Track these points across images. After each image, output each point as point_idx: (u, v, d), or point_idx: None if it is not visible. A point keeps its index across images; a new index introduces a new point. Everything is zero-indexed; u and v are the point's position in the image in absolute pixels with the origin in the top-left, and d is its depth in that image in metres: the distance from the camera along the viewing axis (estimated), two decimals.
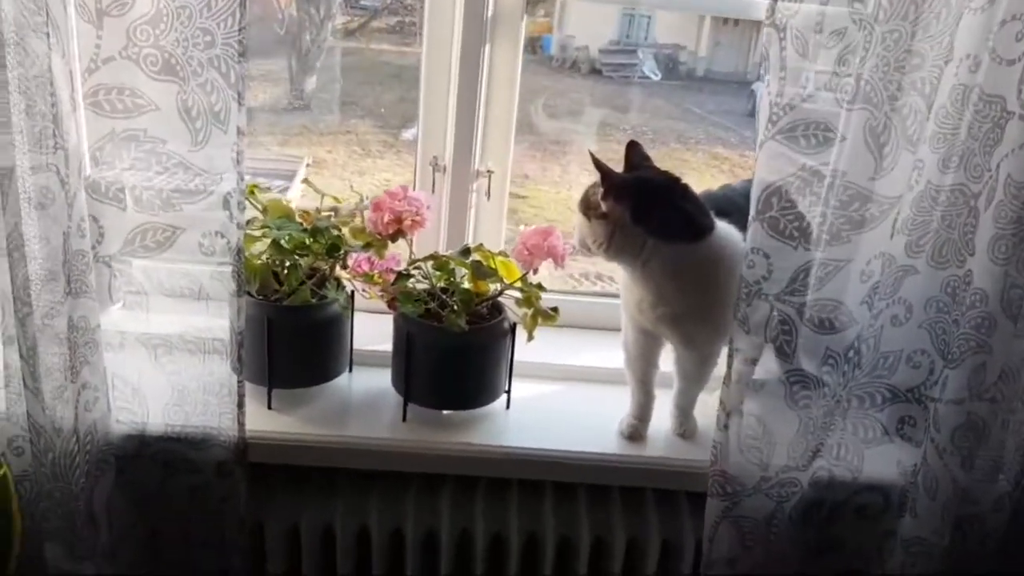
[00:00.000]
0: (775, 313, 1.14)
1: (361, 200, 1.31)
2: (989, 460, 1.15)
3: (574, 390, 1.39)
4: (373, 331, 1.35)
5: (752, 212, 1.10)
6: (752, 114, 2.83)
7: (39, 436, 1.09)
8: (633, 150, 1.20)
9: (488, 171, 1.41)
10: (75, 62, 1.02)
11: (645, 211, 1.15)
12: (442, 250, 1.41)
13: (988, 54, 1.03)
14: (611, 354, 1.35)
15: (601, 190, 1.15)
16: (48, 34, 0.96)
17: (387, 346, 1.37)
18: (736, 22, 2.66)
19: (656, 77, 2.57)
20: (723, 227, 1.18)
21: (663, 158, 2.55)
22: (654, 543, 1.29)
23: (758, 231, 1.11)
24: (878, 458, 1.21)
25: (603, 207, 1.15)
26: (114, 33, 1.01)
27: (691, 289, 1.17)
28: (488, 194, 1.42)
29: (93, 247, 1.09)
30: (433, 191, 1.41)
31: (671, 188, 1.18)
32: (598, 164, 1.15)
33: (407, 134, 2.22)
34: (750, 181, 1.27)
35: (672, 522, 1.30)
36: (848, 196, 1.10)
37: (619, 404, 1.31)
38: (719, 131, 2.84)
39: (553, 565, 1.29)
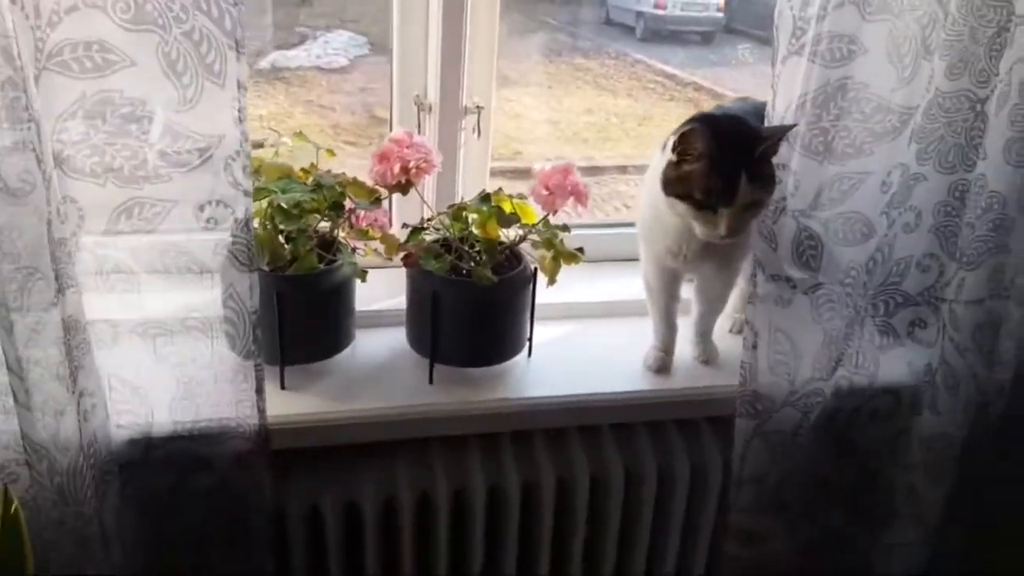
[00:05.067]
0: (800, 228, 1.15)
1: (279, 136, 1.19)
2: (1000, 352, 1.22)
3: (593, 327, 1.35)
4: (367, 289, 1.24)
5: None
6: (608, 22, 2.84)
7: (39, 457, 0.94)
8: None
9: (478, 107, 1.31)
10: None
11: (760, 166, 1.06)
12: (430, 193, 1.32)
13: None
14: (627, 285, 1.32)
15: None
16: None
17: (388, 304, 1.29)
18: None
19: None
20: None
21: (528, 73, 2.56)
22: (682, 471, 1.30)
23: (783, 148, 1.09)
24: (890, 361, 1.26)
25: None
26: None
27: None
28: (477, 131, 1.32)
29: (74, 233, 0.93)
30: (419, 131, 1.30)
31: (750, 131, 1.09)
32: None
33: (263, 62, 2.06)
34: (745, 100, 1.27)
35: (697, 448, 1.31)
36: (871, 108, 1.10)
37: (639, 337, 1.29)
38: (577, 41, 2.83)
39: (587, 505, 1.28)
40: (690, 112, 1.19)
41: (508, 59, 2.53)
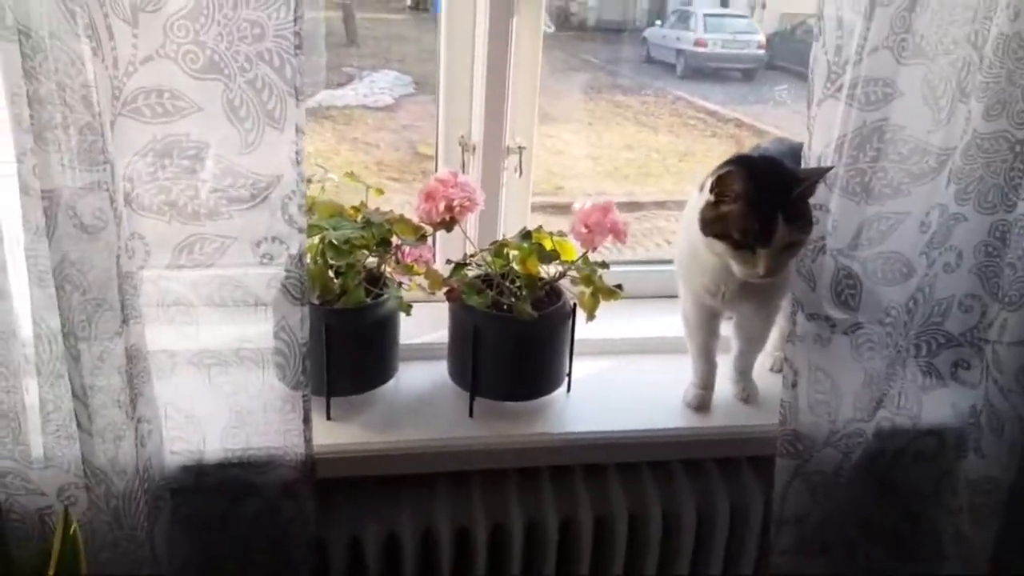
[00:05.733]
0: (839, 268, 1.16)
1: (326, 172, 1.24)
2: None
3: (632, 364, 1.37)
4: (410, 323, 1.28)
5: None
6: (648, 60, 2.88)
7: (98, 481, 0.99)
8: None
9: (519, 147, 1.35)
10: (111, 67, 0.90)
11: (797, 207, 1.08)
12: (472, 230, 1.36)
13: None
14: (666, 322, 1.34)
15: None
16: (90, 36, 0.84)
17: (430, 337, 1.32)
18: None
19: (550, 29, 2.56)
20: None
21: (569, 110, 2.60)
22: (723, 511, 1.29)
23: (820, 188, 1.11)
24: (933, 402, 1.25)
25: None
26: (150, 30, 0.90)
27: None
28: (519, 171, 1.37)
29: (140, 267, 0.98)
30: (463, 171, 1.34)
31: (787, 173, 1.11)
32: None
33: (312, 101, 2.14)
34: (781, 140, 1.29)
35: (737, 487, 1.31)
36: (908, 150, 1.12)
37: (678, 374, 1.30)
38: (617, 79, 2.87)
39: (625, 543, 1.28)
40: (732, 149, 1.22)
41: (550, 96, 2.59)
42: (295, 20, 0.91)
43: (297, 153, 0.96)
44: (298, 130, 0.95)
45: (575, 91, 2.69)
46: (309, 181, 1.23)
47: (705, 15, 2.84)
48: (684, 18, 2.88)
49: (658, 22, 2.90)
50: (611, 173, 2.65)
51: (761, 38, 2.78)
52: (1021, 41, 1.06)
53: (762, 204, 1.06)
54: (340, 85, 2.33)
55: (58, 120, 0.85)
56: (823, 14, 1.06)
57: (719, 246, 1.09)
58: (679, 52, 2.88)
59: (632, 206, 2.49)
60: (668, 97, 2.91)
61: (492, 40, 1.26)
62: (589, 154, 2.66)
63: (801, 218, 1.08)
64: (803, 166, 1.13)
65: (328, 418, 1.18)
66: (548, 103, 2.54)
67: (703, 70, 2.93)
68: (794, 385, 1.19)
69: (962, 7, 1.06)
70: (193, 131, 0.95)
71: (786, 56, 2.66)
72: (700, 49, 2.83)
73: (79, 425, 0.97)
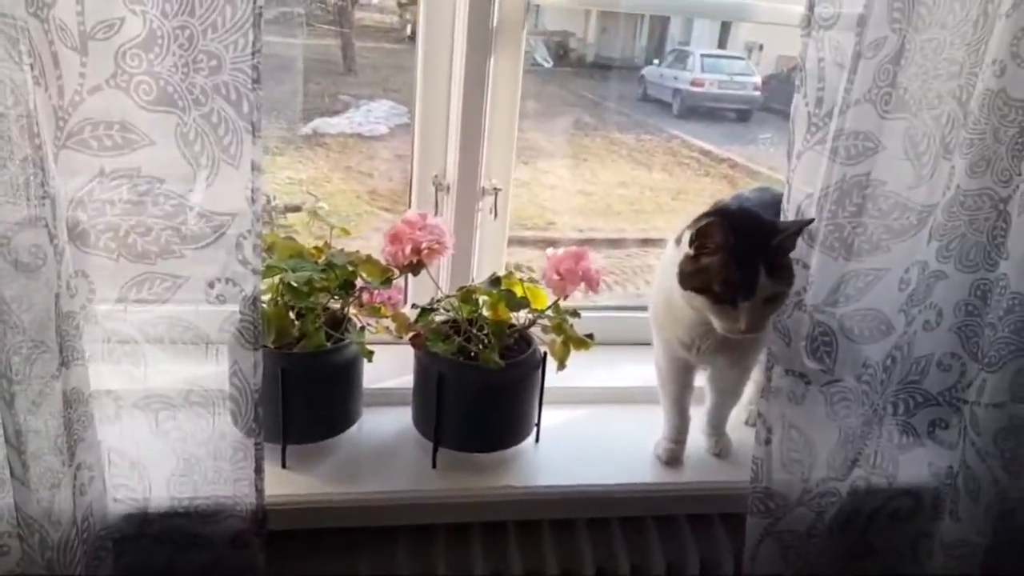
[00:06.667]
0: (815, 324, 1.12)
1: (316, 200, 1.21)
2: (1022, 458, 1.17)
3: (604, 414, 1.33)
4: (376, 366, 1.23)
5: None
6: (645, 98, 2.88)
7: (31, 531, 0.93)
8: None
9: (495, 188, 1.32)
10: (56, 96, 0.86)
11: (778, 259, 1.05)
12: (445, 273, 1.32)
13: (1011, 59, 1.03)
14: (639, 371, 1.31)
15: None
16: (32, 65, 0.80)
17: (396, 382, 1.27)
18: None
19: (548, 65, 2.56)
20: None
21: (564, 145, 2.59)
22: (692, 567, 1.25)
23: (799, 243, 1.08)
24: (910, 461, 1.22)
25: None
26: (101, 59, 0.86)
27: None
28: (494, 212, 1.33)
29: (83, 306, 0.94)
30: (436, 212, 1.31)
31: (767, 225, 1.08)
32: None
33: (306, 128, 2.12)
34: (763, 189, 1.26)
35: (709, 544, 1.26)
36: (888, 205, 1.09)
37: (650, 425, 1.27)
38: (614, 116, 2.87)
39: None
40: (725, 188, 1.20)
41: (545, 132, 2.58)
42: (253, 53, 0.87)
43: (253, 191, 0.92)
44: (254, 167, 0.91)
45: (571, 127, 2.69)
46: (298, 209, 1.20)
47: (702, 55, 2.86)
48: (682, 58, 2.89)
49: (656, 61, 2.91)
50: (603, 210, 2.64)
51: (757, 80, 2.79)
52: (1007, 98, 1.04)
53: (744, 256, 1.02)
54: (335, 113, 2.31)
55: (5, 153, 0.81)
56: (804, 65, 1.04)
57: (699, 300, 1.06)
58: (676, 91, 2.89)
59: (621, 243, 2.48)
60: (663, 135, 2.91)
61: (468, 79, 1.23)
62: (582, 190, 2.65)
63: (782, 269, 1.05)
64: (782, 218, 1.11)
65: (283, 466, 1.13)
66: (544, 138, 2.54)
67: (699, 110, 2.93)
68: (767, 442, 1.15)
69: (947, 61, 1.04)
70: (144, 165, 0.91)
71: (781, 98, 2.67)
72: (697, 89, 2.84)
73: (12, 473, 0.92)
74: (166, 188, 0.93)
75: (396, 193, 2.14)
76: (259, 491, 1.04)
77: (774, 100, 2.73)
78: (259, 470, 1.03)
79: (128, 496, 1.02)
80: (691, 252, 1.06)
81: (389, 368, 1.26)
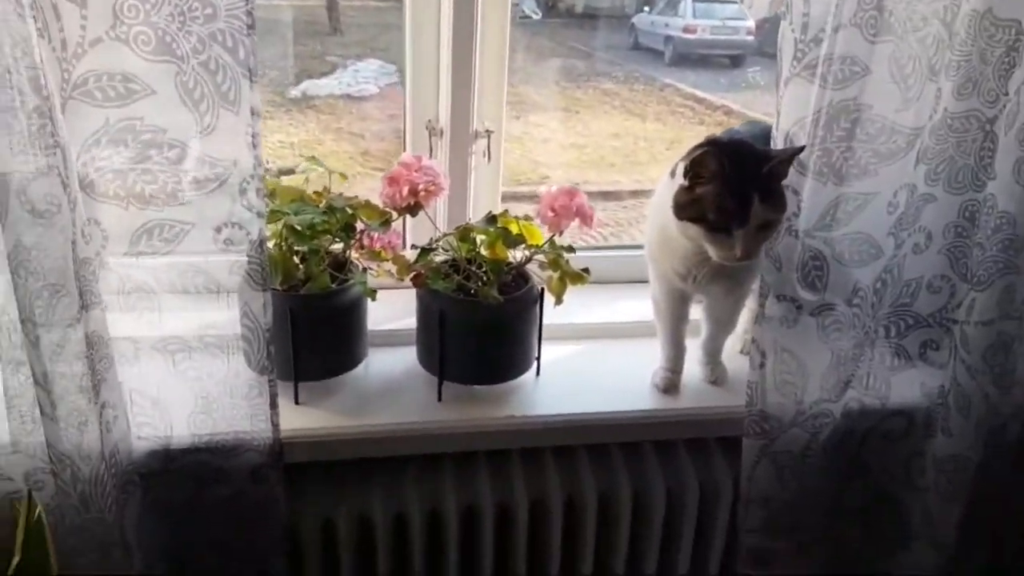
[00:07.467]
0: (806, 249, 1.15)
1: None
2: (1011, 373, 1.21)
3: (601, 348, 1.37)
4: (380, 309, 1.27)
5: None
6: (636, 47, 2.85)
7: (63, 466, 0.99)
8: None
9: (488, 131, 1.34)
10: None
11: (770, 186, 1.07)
12: (441, 216, 1.36)
13: None
14: (636, 307, 1.34)
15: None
16: (35, 17, 0.83)
17: (400, 323, 1.32)
18: None
19: (537, 16, 2.54)
20: None
21: (555, 97, 2.58)
22: (692, 490, 1.30)
23: (791, 171, 1.10)
24: (902, 383, 1.25)
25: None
26: (100, 11, 0.89)
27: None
28: (488, 155, 1.36)
29: (98, 253, 0.98)
30: (431, 155, 1.33)
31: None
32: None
33: (295, 91, 2.13)
34: (753, 123, 1.28)
35: (706, 468, 1.31)
36: (875, 129, 1.11)
37: (647, 358, 1.30)
38: (605, 66, 2.85)
39: (596, 524, 1.28)
40: None
41: (536, 84, 2.58)
42: (247, 0, 0.90)
43: (254, 136, 0.95)
44: (254, 112, 0.94)
45: (562, 79, 2.67)
46: (292, 171, 1.23)
47: (694, 1, 2.81)
48: (673, 4, 2.85)
49: (646, 8, 2.87)
50: (597, 162, 2.63)
51: (751, 24, 2.75)
52: (993, 18, 1.05)
53: (737, 184, 1.05)
54: (324, 75, 2.31)
55: (6, 103, 0.85)
56: None
57: (694, 230, 1.08)
58: (667, 39, 2.85)
59: (617, 195, 2.49)
60: (656, 84, 2.89)
61: (457, 23, 1.25)
62: (575, 143, 2.64)
63: (775, 197, 1.07)
64: (772, 147, 1.13)
65: (296, 403, 1.18)
66: (534, 91, 2.53)
67: (691, 57, 2.90)
68: (761, 366, 1.19)
69: None
70: (147, 114, 0.94)
71: (775, 42, 2.63)
72: (689, 36, 2.80)
73: (42, 411, 0.97)
74: (169, 137, 0.96)
75: (389, 153, 2.16)
76: (275, 425, 1.09)
77: (768, 44, 2.70)
78: (274, 405, 1.08)
79: (151, 433, 1.08)
80: (685, 183, 1.08)
81: (392, 311, 1.31)
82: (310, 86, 2.28)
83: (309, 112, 2.31)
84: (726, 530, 1.32)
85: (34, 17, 0.84)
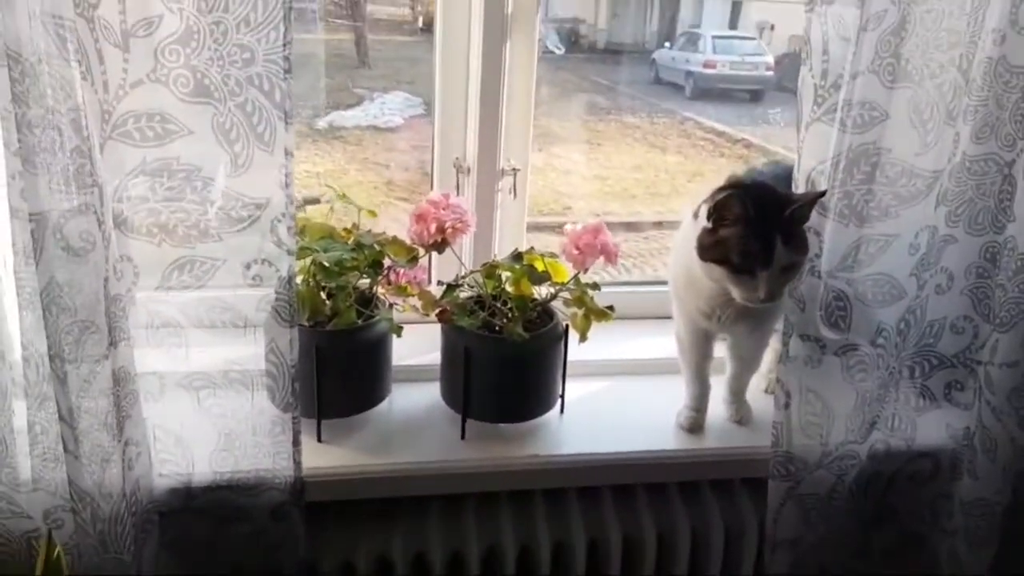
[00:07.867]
0: (829, 289, 1.15)
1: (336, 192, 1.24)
2: None
3: (626, 385, 1.37)
4: (405, 344, 1.27)
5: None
6: (657, 81, 2.89)
7: (84, 504, 0.99)
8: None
9: (514, 169, 1.36)
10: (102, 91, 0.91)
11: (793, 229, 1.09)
12: (467, 252, 1.37)
13: (1011, 26, 1.05)
14: (660, 343, 1.34)
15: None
16: (79, 61, 0.85)
17: (424, 359, 1.32)
18: None
19: (560, 51, 2.58)
20: None
21: (578, 130, 2.61)
22: (717, 532, 1.28)
23: (813, 213, 1.11)
24: (928, 424, 1.24)
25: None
26: (141, 55, 0.91)
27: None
28: (514, 192, 1.37)
29: (128, 289, 0.99)
30: (457, 192, 1.35)
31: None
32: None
33: (322, 122, 2.16)
34: (775, 163, 1.29)
35: (732, 509, 1.29)
36: (895, 172, 1.12)
37: (671, 395, 1.30)
38: (626, 100, 2.88)
39: (620, 566, 1.27)
40: (741, 169, 1.24)
41: (559, 117, 2.61)
42: (284, 45, 0.92)
43: (286, 176, 0.97)
44: (287, 153, 0.96)
45: (584, 112, 2.71)
46: (317, 201, 1.24)
47: (714, 37, 2.85)
48: (693, 40, 2.89)
49: (667, 44, 2.91)
50: (619, 193, 2.66)
51: (770, 59, 2.78)
52: (1007, 65, 1.07)
53: (760, 227, 1.06)
54: (351, 106, 2.35)
55: (46, 144, 0.86)
56: (809, 38, 1.07)
57: (718, 271, 1.09)
58: (688, 74, 2.89)
59: (638, 226, 2.50)
60: (677, 118, 2.92)
61: (486, 63, 1.27)
62: (598, 174, 2.67)
63: (798, 239, 1.08)
64: (793, 189, 1.14)
65: (319, 440, 1.18)
66: (557, 124, 2.56)
67: (712, 91, 2.93)
68: (786, 406, 1.18)
69: (948, 31, 1.07)
70: (183, 154, 0.96)
71: (794, 78, 2.65)
72: (709, 70, 2.84)
73: (65, 448, 0.97)
74: (204, 175, 0.97)
75: (413, 183, 2.18)
76: (297, 463, 1.09)
77: (787, 79, 2.73)
78: (296, 443, 1.08)
79: (173, 471, 1.08)
80: (709, 225, 1.09)
81: (416, 346, 1.31)
82: (337, 117, 2.32)
83: (335, 142, 2.34)
84: (752, 573, 1.30)
85: (79, 61, 0.86)
